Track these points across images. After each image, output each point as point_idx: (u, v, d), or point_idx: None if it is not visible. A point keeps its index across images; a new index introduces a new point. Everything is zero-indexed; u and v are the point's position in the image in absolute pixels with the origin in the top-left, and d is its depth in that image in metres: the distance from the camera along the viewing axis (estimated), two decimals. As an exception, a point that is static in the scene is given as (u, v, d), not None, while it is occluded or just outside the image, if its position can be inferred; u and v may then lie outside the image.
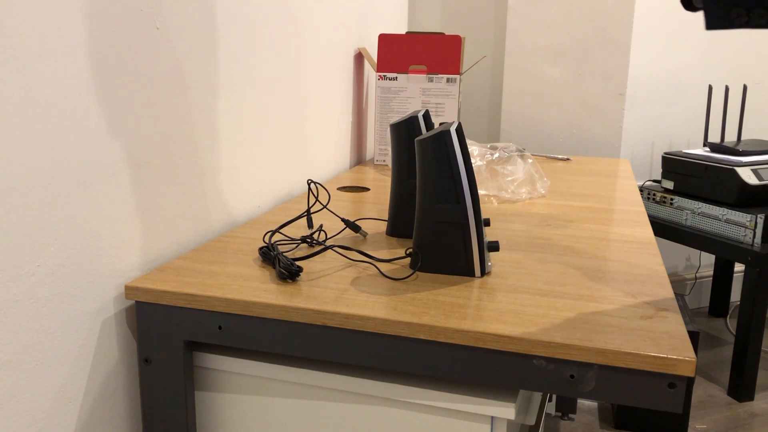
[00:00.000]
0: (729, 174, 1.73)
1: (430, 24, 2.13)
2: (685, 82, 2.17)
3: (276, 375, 0.77)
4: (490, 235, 0.98)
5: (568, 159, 1.74)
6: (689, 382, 1.57)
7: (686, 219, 1.85)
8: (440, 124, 1.05)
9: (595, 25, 1.92)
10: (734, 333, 1.99)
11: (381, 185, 1.35)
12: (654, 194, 1.94)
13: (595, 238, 0.97)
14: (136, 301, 0.77)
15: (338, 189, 1.31)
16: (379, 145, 1.57)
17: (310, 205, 1.14)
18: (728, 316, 2.28)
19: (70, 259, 0.72)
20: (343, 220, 0.96)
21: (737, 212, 1.71)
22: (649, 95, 2.10)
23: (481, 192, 1.22)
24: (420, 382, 0.72)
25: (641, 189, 2.00)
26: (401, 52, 1.52)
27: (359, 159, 1.68)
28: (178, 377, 0.78)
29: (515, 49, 2.00)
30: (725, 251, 1.73)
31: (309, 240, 0.91)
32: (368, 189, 1.31)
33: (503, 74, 2.05)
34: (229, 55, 1.01)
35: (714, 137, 2.28)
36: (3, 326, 0.64)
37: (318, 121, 1.38)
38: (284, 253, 0.85)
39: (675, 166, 1.89)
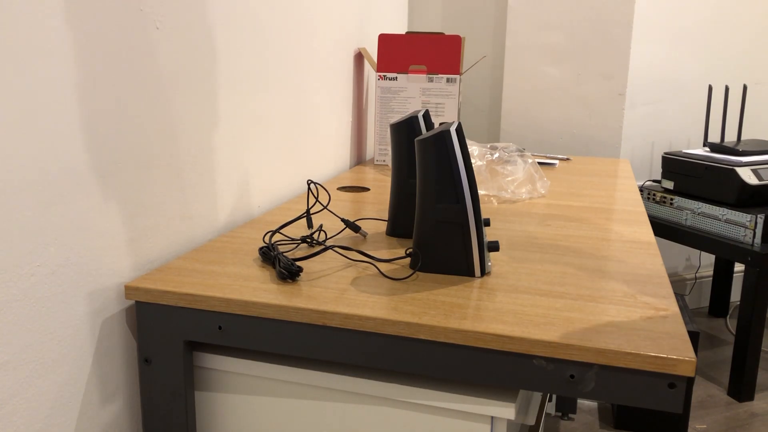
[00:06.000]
0: (729, 174, 1.73)
1: (430, 24, 2.13)
2: (685, 82, 2.17)
3: (276, 375, 0.77)
4: (490, 235, 0.98)
5: (568, 159, 1.74)
6: (689, 382, 1.57)
7: (686, 219, 1.85)
8: (440, 124, 1.05)
9: (595, 25, 1.92)
10: (734, 333, 1.99)
11: (381, 185, 1.35)
12: (654, 194, 1.94)
13: (595, 238, 0.97)
14: (136, 301, 0.77)
15: (338, 189, 1.30)
16: (379, 145, 1.57)
17: (309, 206, 1.14)
18: (728, 316, 2.28)
19: (70, 259, 0.72)
20: (343, 220, 0.96)
21: (737, 212, 1.71)
22: (649, 95, 2.10)
23: (481, 192, 1.22)
24: (420, 382, 0.72)
25: (641, 189, 1.99)
26: (401, 52, 1.52)
27: (359, 159, 1.68)
28: (178, 377, 0.78)
29: (515, 49, 2.00)
30: (725, 251, 1.73)
31: (309, 240, 0.91)
32: (368, 189, 1.31)
33: (503, 74, 2.05)
34: (229, 55, 1.01)
35: (714, 137, 2.28)
36: (3, 326, 0.64)
37: (318, 121, 1.38)
38: (284, 253, 0.85)
39: (675, 166, 1.88)
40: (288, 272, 0.77)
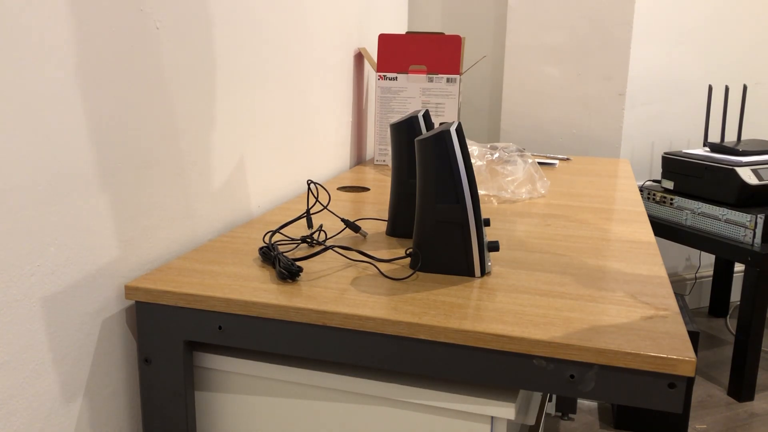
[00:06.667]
0: (729, 174, 1.73)
1: (430, 24, 2.13)
2: (685, 82, 2.17)
3: (276, 375, 0.77)
4: (490, 235, 0.98)
5: (568, 159, 1.74)
6: (689, 382, 1.57)
7: (686, 219, 1.85)
8: (440, 124, 1.05)
9: (595, 25, 1.92)
10: (734, 333, 1.99)
11: (381, 185, 1.35)
12: (654, 194, 1.94)
13: (595, 238, 0.97)
14: (136, 301, 0.77)
15: (338, 189, 1.30)
16: (379, 145, 1.57)
17: (309, 206, 1.14)
18: (728, 316, 2.28)
19: (70, 259, 0.72)
20: (343, 220, 0.96)
21: (737, 212, 1.71)
22: (649, 95, 2.10)
23: (481, 192, 1.22)
24: (420, 382, 0.72)
25: (641, 189, 1.99)
26: (401, 52, 1.52)
27: (359, 159, 1.68)
28: (178, 377, 0.78)
29: (515, 49, 2.00)
30: (725, 251, 1.73)
31: (309, 240, 0.91)
32: (368, 189, 1.31)
33: (503, 74, 2.05)
34: (229, 55, 1.01)
35: (714, 137, 2.28)
36: (3, 326, 0.64)
37: (318, 121, 1.38)
38: (284, 253, 0.85)
39: (675, 166, 1.88)
40: (288, 272, 0.77)
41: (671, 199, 1.89)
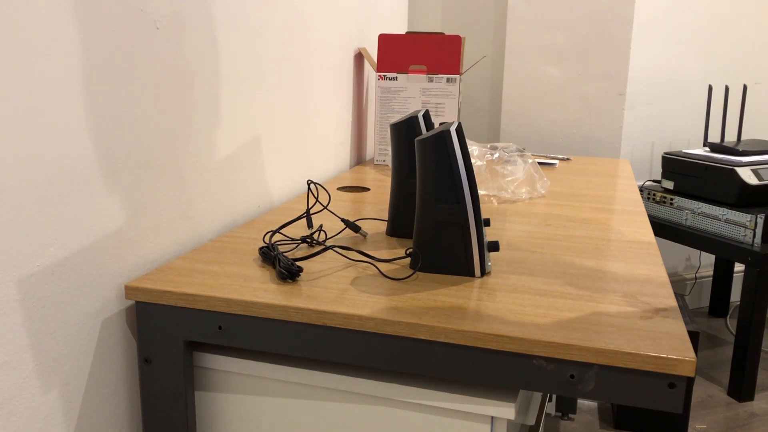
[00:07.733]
0: (729, 174, 1.73)
1: (430, 24, 2.13)
2: (685, 82, 2.17)
3: (276, 375, 0.77)
4: (490, 235, 0.98)
5: (568, 159, 1.74)
6: (689, 382, 1.57)
7: (686, 219, 1.85)
8: (440, 124, 1.05)
9: (595, 25, 1.92)
10: (734, 333, 1.99)
11: (381, 185, 1.35)
12: (654, 194, 1.94)
13: (595, 238, 0.97)
14: (136, 301, 0.77)
15: (338, 189, 1.30)
16: (379, 145, 1.57)
17: (309, 206, 1.14)
18: (728, 316, 2.28)
19: (70, 259, 0.72)
20: (343, 220, 0.96)
21: (737, 212, 1.71)
22: (649, 95, 2.10)
23: (481, 192, 1.22)
24: (420, 382, 0.72)
25: (641, 189, 1.99)
26: (401, 52, 1.52)
27: (359, 159, 1.68)
28: (178, 377, 0.78)
29: (515, 49, 2.00)
30: (725, 251, 1.73)
31: (309, 240, 0.91)
32: (368, 189, 1.31)
33: (503, 74, 2.05)
34: (228, 55, 1.01)
35: (714, 137, 2.28)
36: (3, 326, 0.64)
37: (318, 121, 1.38)
38: (284, 253, 0.85)
39: (675, 166, 1.88)
40: (288, 272, 0.77)
41: (671, 199, 1.89)
